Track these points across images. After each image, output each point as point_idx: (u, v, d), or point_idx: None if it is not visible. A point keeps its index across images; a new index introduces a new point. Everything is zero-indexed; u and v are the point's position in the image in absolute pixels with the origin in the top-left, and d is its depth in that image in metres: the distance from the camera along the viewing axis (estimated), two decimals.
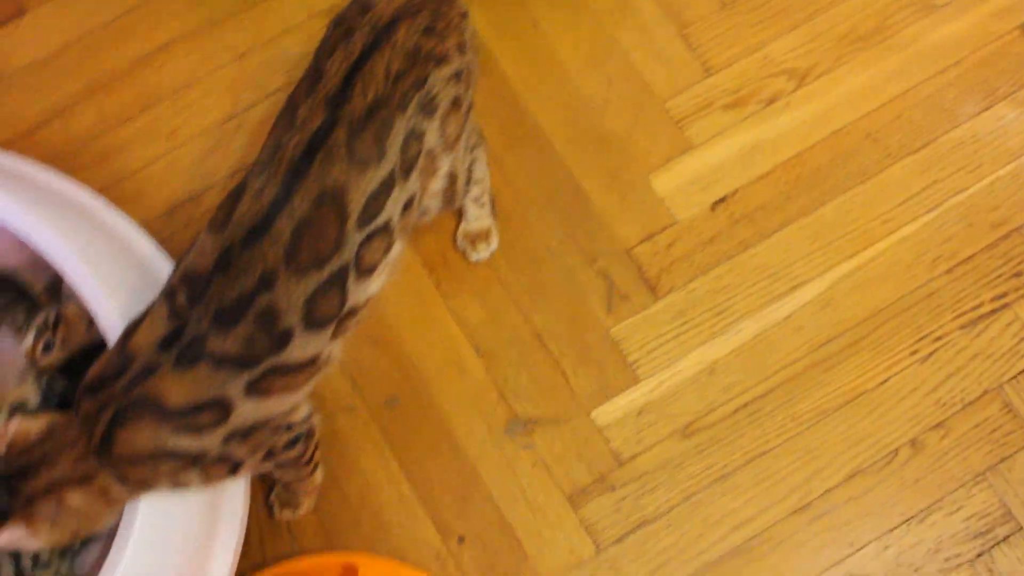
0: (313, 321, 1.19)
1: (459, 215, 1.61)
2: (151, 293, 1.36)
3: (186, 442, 1.18)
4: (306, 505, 1.51)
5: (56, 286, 1.53)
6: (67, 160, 1.63)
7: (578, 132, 1.69)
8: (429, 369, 1.60)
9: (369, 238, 1.20)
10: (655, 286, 1.62)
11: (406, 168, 1.22)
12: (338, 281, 1.19)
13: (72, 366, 1.43)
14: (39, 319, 1.44)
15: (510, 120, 1.69)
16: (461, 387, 1.59)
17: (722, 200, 1.65)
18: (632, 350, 1.59)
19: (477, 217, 1.59)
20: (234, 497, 1.40)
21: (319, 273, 1.17)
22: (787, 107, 1.69)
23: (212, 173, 1.69)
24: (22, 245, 1.49)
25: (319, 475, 1.47)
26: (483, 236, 1.61)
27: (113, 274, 1.36)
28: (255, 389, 1.19)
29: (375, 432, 1.57)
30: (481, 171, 1.52)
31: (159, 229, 1.55)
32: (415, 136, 1.23)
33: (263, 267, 1.15)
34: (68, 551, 1.40)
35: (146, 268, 1.44)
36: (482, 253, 1.61)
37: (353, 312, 1.24)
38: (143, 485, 1.21)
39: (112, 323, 1.29)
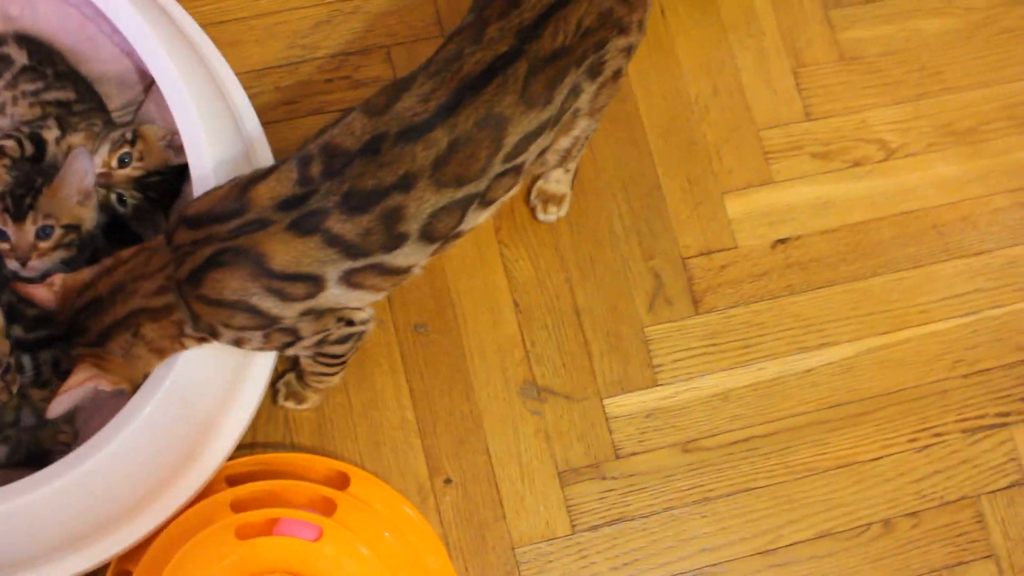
0: (427, 234, 1.19)
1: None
2: (238, 140, 1.33)
3: (268, 304, 1.17)
4: (311, 401, 1.50)
5: (131, 108, 1.49)
6: None
7: (672, 130, 1.69)
8: (465, 308, 1.59)
9: (504, 174, 1.20)
10: (699, 301, 1.64)
11: (556, 119, 1.22)
12: (464, 204, 1.19)
13: (143, 186, 1.39)
14: (115, 134, 1.40)
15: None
16: (490, 335, 1.58)
17: (784, 241, 1.68)
18: (659, 354, 1.61)
19: (559, 181, 1.59)
20: (259, 374, 1.39)
21: (455, 191, 1.17)
22: (869, 174, 1.72)
23: (315, 47, 1.65)
24: (121, 56, 1.44)
25: (339, 378, 1.46)
26: (557, 200, 1.60)
27: (206, 102, 1.32)
28: (349, 280, 1.18)
29: (396, 352, 1.56)
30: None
31: (246, 84, 1.50)
32: (575, 92, 1.23)
33: (408, 167, 1.14)
34: None
35: (235, 113, 1.41)
36: (550, 215, 1.61)
37: (456, 236, 1.24)
38: (210, 331, 1.19)
39: (198, 148, 1.26)
